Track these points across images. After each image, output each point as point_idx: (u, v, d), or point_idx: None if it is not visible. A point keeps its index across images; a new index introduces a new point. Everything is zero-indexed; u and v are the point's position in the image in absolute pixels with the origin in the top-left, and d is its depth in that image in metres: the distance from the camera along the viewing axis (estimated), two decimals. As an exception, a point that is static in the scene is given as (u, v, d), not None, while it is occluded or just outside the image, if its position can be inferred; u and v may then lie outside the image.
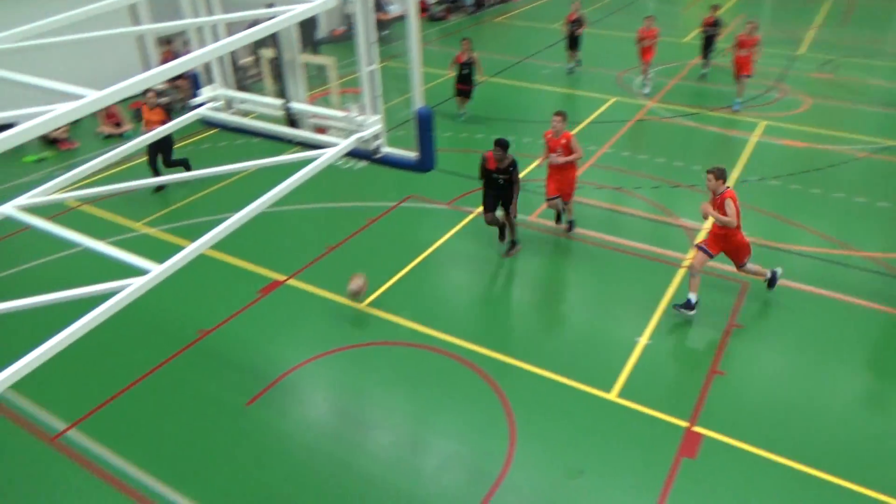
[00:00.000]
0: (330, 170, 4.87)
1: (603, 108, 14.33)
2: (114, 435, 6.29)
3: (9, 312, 2.90)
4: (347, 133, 4.11)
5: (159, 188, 11.17)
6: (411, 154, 4.17)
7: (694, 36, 18.54)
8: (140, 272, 2.96)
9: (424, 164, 4.13)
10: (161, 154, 10.89)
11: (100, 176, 11.28)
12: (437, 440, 6.26)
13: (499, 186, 8.61)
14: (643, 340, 7.43)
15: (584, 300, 8.44)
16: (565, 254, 9.22)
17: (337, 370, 7.16)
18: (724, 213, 7.29)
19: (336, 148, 3.93)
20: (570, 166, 8.97)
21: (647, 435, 6.23)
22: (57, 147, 13.18)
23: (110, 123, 13.76)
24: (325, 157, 3.79)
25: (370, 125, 4.06)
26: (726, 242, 7.63)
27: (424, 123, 4.01)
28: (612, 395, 6.67)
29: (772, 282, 8.12)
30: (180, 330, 7.69)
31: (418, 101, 4.01)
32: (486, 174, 8.57)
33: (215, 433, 6.32)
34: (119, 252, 3.15)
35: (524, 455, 6.04)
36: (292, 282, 8.56)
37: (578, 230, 9.50)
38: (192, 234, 7.84)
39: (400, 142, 4.43)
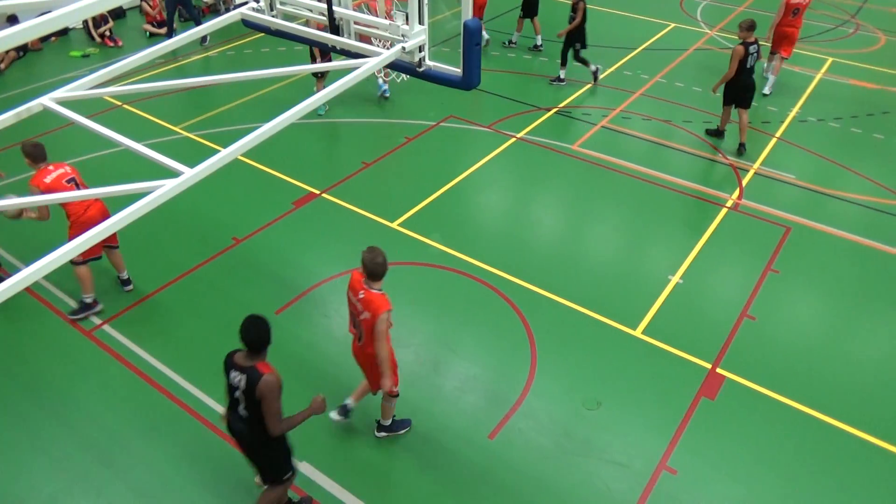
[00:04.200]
0: (370, 83, 4.70)
1: (660, 35, 13.63)
2: (147, 332, 6.51)
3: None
4: (392, 44, 3.93)
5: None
6: (456, 70, 3.97)
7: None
8: (174, 174, 2.94)
9: (468, 81, 3.91)
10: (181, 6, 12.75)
11: (143, 75, 11.25)
12: (459, 362, 6.34)
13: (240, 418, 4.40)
14: (675, 279, 7.31)
15: (620, 234, 8.27)
16: (605, 186, 9.00)
17: (366, 285, 7.21)
18: None
19: (378, 58, 3.77)
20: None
21: (668, 374, 6.22)
22: (103, 44, 13.13)
23: (153, 22, 13.61)
24: (366, 66, 3.64)
25: (414, 35, 3.87)
26: None
27: (471, 36, 3.77)
28: (637, 332, 6.63)
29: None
30: (216, 236, 7.79)
31: (468, 13, 3.78)
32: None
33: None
34: (154, 153, 3.12)
35: (543, 383, 6.10)
36: (326, 195, 8.55)
37: (624, 163, 9.21)
38: (228, 140, 7.83)
39: (447, 59, 4.22)
